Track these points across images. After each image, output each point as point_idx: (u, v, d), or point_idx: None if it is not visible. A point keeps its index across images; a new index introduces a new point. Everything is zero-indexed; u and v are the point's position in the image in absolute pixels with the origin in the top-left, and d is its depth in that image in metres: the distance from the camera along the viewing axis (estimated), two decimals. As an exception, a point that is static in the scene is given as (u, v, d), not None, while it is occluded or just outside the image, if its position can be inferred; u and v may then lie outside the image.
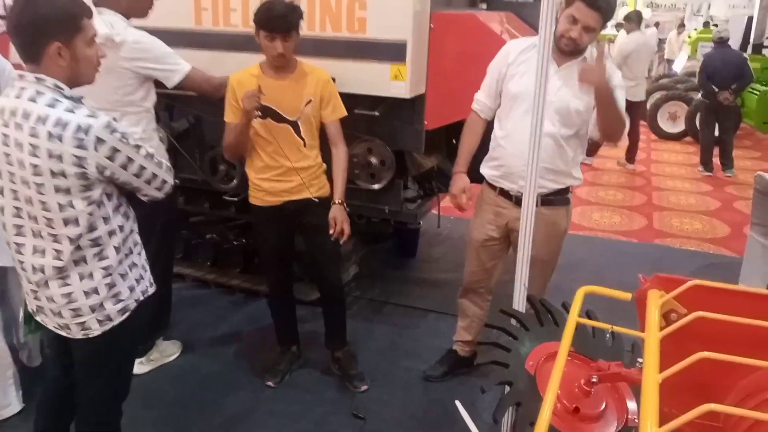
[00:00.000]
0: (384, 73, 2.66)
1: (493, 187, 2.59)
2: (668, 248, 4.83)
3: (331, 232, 2.55)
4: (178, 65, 2.58)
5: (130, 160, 1.70)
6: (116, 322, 1.81)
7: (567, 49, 2.32)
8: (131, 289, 1.84)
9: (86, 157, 1.61)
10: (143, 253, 1.93)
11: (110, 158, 1.65)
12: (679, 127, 8.78)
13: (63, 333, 1.82)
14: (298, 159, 2.54)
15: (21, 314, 2.73)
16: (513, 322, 1.70)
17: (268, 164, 2.56)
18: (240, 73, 2.54)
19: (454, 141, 3.29)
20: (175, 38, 2.79)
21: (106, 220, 1.74)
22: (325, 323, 2.94)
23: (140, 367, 2.89)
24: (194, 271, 3.84)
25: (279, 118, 2.49)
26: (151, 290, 1.94)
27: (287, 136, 2.51)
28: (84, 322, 1.78)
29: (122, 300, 1.81)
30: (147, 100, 2.61)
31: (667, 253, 4.70)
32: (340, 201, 2.58)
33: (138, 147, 1.73)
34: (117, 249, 1.78)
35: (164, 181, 1.84)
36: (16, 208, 1.71)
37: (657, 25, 16.60)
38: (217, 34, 2.94)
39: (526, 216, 1.94)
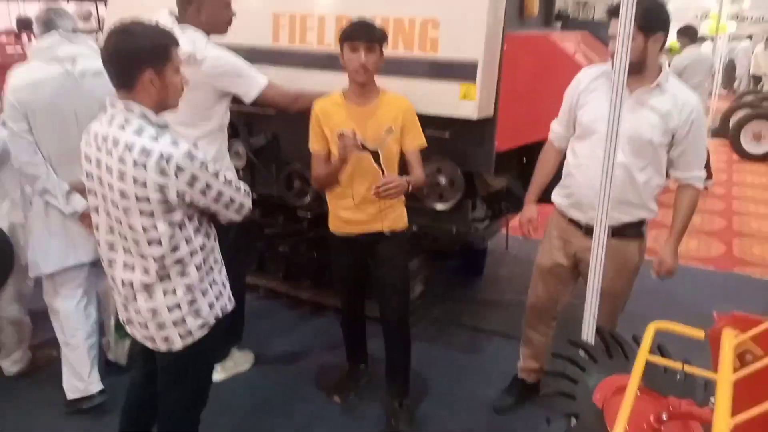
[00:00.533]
0: (453, 93, 2.66)
1: (563, 214, 2.57)
2: (748, 278, 4.61)
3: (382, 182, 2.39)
4: (256, 80, 2.67)
5: (208, 186, 1.80)
6: (197, 337, 1.92)
7: (638, 69, 2.24)
8: (211, 306, 1.95)
9: (167, 184, 1.72)
10: (223, 270, 2.03)
11: (190, 185, 1.76)
12: (764, 147, 8.37)
13: (149, 344, 1.95)
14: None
15: (112, 321, 2.93)
16: (581, 353, 1.69)
17: (345, 192, 2.55)
18: (323, 100, 2.55)
19: (524, 160, 3.29)
20: (252, 55, 2.92)
21: (188, 240, 1.85)
22: (386, 362, 2.82)
23: (215, 375, 3.02)
24: (267, 282, 3.98)
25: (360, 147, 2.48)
26: (230, 306, 2.04)
27: (366, 164, 2.49)
28: (167, 336, 1.90)
29: (202, 316, 1.92)
30: (223, 118, 2.73)
31: (746, 284, 4.49)
32: (408, 180, 2.45)
33: (216, 174, 1.83)
34: (198, 267, 1.89)
35: (242, 205, 1.95)
36: (110, 226, 1.85)
37: (750, 37, 15.83)
38: (293, 52, 3.04)
39: (596, 248, 1.92)
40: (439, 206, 3.04)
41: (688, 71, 6.53)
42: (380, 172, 2.49)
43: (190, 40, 2.51)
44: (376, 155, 2.49)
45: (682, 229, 2.49)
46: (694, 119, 2.27)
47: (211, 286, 1.95)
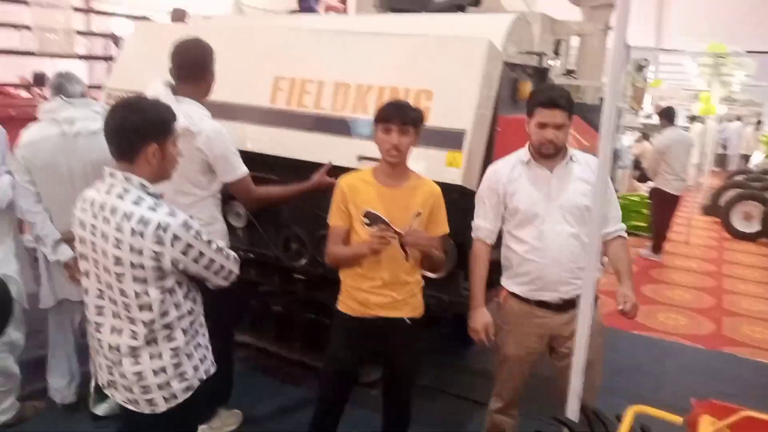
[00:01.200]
0: (440, 159, 2.71)
1: (527, 301, 2.57)
2: (736, 358, 4.64)
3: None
4: (238, 166, 2.75)
5: (201, 254, 1.90)
6: (180, 400, 1.96)
7: (551, 153, 2.46)
8: (195, 369, 2.00)
9: (163, 252, 1.81)
10: (206, 334, 2.10)
11: (184, 253, 1.85)
12: (754, 227, 8.52)
13: (131, 407, 1.98)
14: (398, 274, 2.47)
15: (92, 385, 2.97)
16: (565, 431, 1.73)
17: (366, 274, 2.46)
18: (351, 176, 2.52)
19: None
20: (249, 113, 3.06)
21: (177, 306, 1.92)
22: None
23: (202, 434, 3.01)
24: (258, 341, 3.99)
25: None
26: (212, 369, 2.09)
27: (392, 248, 2.41)
28: (152, 399, 1.94)
29: (187, 379, 1.97)
30: (214, 183, 2.79)
31: (734, 364, 4.52)
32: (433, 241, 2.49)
33: (209, 242, 1.93)
34: (185, 331, 1.96)
35: (230, 272, 2.04)
36: (99, 290, 1.91)
37: (739, 119, 16.32)
38: (290, 113, 3.14)
39: (583, 322, 1.98)
40: (432, 275, 3.10)
41: (671, 151, 6.77)
42: (404, 257, 2.46)
43: (185, 114, 2.58)
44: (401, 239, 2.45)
45: (630, 272, 2.59)
46: (606, 178, 2.40)
47: (195, 349, 2.01)
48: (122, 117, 1.85)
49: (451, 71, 2.76)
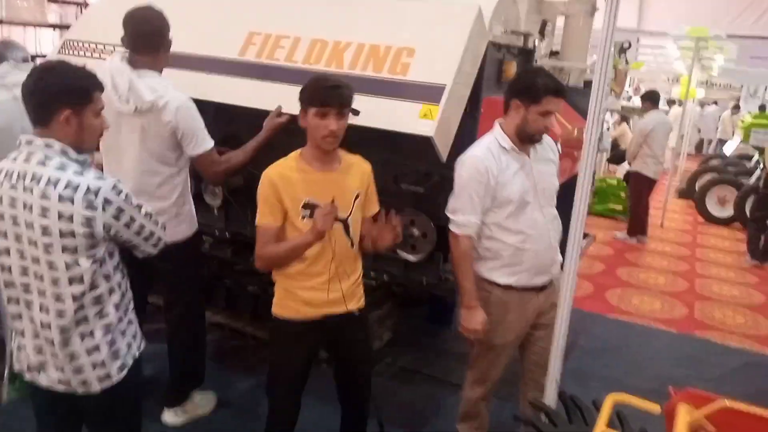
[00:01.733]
0: (413, 111, 2.54)
1: (513, 288, 2.52)
2: (708, 342, 4.71)
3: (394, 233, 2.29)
4: (206, 137, 2.68)
5: (132, 219, 1.85)
6: (115, 380, 1.90)
7: (540, 140, 2.46)
8: (129, 346, 1.95)
9: (95, 217, 1.74)
10: (133, 309, 2.02)
11: (116, 218, 1.79)
12: (728, 211, 8.64)
13: (62, 388, 1.88)
14: (346, 263, 2.30)
15: (6, 374, 2.79)
16: (542, 416, 1.72)
17: (309, 271, 2.24)
18: (276, 166, 2.25)
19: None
20: (220, 65, 2.99)
21: (107, 277, 1.85)
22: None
23: (174, 418, 2.97)
24: (233, 322, 3.95)
25: None
26: (143, 346, 2.04)
27: (336, 237, 2.23)
28: (85, 380, 1.87)
29: (119, 357, 1.91)
30: (181, 159, 2.73)
31: (706, 348, 4.59)
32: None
33: (140, 206, 1.88)
34: (117, 306, 1.89)
35: (160, 239, 2.00)
36: (23, 267, 1.79)
37: (716, 103, 16.50)
38: (260, 65, 3.00)
39: (563, 307, 1.97)
40: (411, 257, 3.08)
41: (653, 134, 6.82)
42: (349, 244, 2.31)
43: (149, 87, 2.51)
44: (346, 225, 2.28)
45: None
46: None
47: (128, 325, 1.95)
48: (38, 78, 1.76)
49: (436, 33, 2.67)
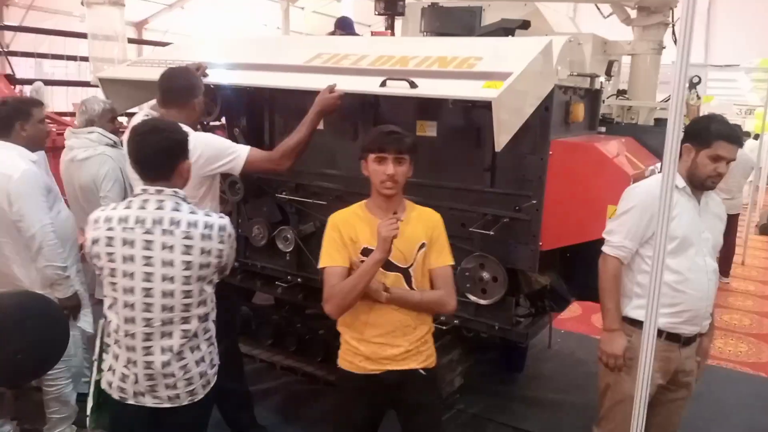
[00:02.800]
0: (477, 85, 2.49)
1: (658, 333, 2.32)
2: (802, 387, 4.40)
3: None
4: (237, 152, 2.71)
5: (232, 249, 2.17)
6: (212, 384, 2.19)
7: (713, 186, 2.43)
8: (218, 354, 2.25)
9: (224, 249, 2.09)
10: None
11: (232, 247, 2.14)
12: (817, 248, 8.14)
13: (167, 405, 2.09)
14: (408, 317, 2.21)
15: (90, 404, 2.95)
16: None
17: (371, 321, 2.19)
18: (343, 212, 2.29)
19: (568, 257, 3.30)
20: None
21: (211, 299, 2.15)
22: None
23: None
24: (305, 365, 4.00)
25: (389, 266, 2.18)
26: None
27: (397, 286, 2.20)
28: (193, 389, 2.11)
29: (215, 365, 2.21)
30: (211, 193, 2.83)
31: (800, 393, 4.28)
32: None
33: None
34: (214, 322, 2.19)
35: (232, 267, 2.28)
36: (146, 304, 2.03)
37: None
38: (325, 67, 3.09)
39: (644, 356, 1.91)
40: (482, 301, 3.06)
41: (731, 170, 6.53)
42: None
43: None
44: (407, 275, 2.23)
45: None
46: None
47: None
48: (158, 140, 2.06)
49: (506, 48, 2.76)
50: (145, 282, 2.01)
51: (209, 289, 2.10)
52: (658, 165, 2.64)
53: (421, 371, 2.25)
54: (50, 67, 8.18)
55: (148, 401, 2.09)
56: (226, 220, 2.11)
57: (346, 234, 2.21)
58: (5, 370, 2.10)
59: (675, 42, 3.21)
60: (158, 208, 2.02)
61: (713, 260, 2.44)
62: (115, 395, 2.11)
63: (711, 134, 2.34)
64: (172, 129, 2.11)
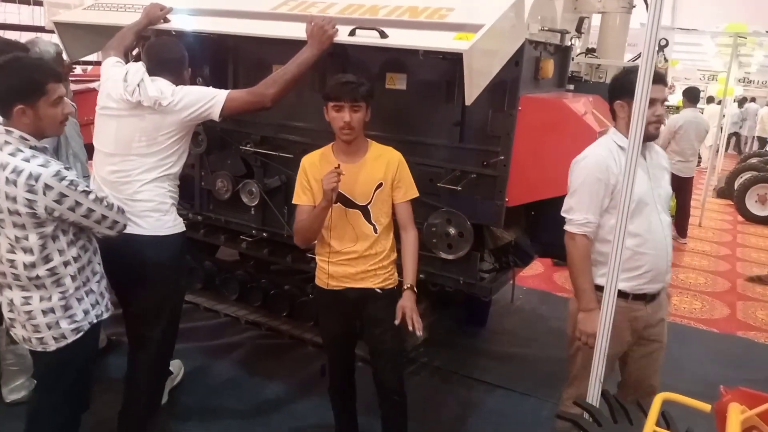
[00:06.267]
0: (448, 36, 2.48)
1: (624, 295, 2.37)
2: (751, 343, 4.60)
3: (396, 322, 2.40)
4: (215, 96, 2.59)
5: (77, 203, 2.05)
6: (69, 340, 2.16)
7: (657, 133, 2.43)
8: (86, 312, 2.19)
9: (36, 200, 1.97)
10: (103, 281, 2.30)
11: (57, 202, 2.00)
12: (769, 211, 8.43)
13: (27, 346, 2.18)
14: (366, 246, 2.46)
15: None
16: (586, 415, 1.70)
17: (336, 249, 2.48)
18: (312, 154, 2.53)
19: (532, 213, 3.34)
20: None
21: (60, 251, 2.09)
22: (383, 428, 2.68)
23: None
24: (269, 320, 4.00)
25: (349, 204, 2.44)
26: (106, 315, 2.29)
27: (357, 222, 2.45)
28: (42, 337, 2.14)
29: (77, 321, 2.17)
30: (175, 166, 2.66)
31: (750, 348, 4.48)
32: (409, 286, 2.46)
33: (87, 192, 2.08)
34: (73, 277, 2.14)
35: (115, 222, 2.22)
36: None
37: (753, 100, 16.09)
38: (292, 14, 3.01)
39: (606, 309, 1.95)
40: (448, 256, 3.08)
41: (680, 132, 6.66)
42: (371, 228, 2.46)
43: (157, 89, 2.52)
44: (366, 212, 2.45)
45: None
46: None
47: (87, 294, 2.20)
48: None
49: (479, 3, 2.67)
50: None
51: (33, 240, 2.01)
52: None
53: (378, 290, 2.51)
54: (1, 12, 7.77)
55: (18, 334, 2.20)
56: (44, 170, 1.96)
57: (312, 175, 2.46)
58: None
59: (645, 2, 3.23)
60: None
61: (667, 215, 2.45)
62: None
63: (634, 82, 2.29)
64: (15, 69, 2.00)
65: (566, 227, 2.43)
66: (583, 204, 2.38)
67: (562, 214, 2.45)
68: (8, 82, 2.00)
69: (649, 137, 2.37)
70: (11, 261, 2.05)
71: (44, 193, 1.96)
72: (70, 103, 2.10)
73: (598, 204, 2.36)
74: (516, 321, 4.48)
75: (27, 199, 1.96)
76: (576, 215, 2.39)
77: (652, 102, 2.28)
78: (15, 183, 1.95)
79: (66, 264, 2.11)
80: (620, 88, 2.40)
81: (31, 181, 1.95)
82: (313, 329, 3.85)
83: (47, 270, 2.07)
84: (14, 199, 1.96)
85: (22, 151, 2.00)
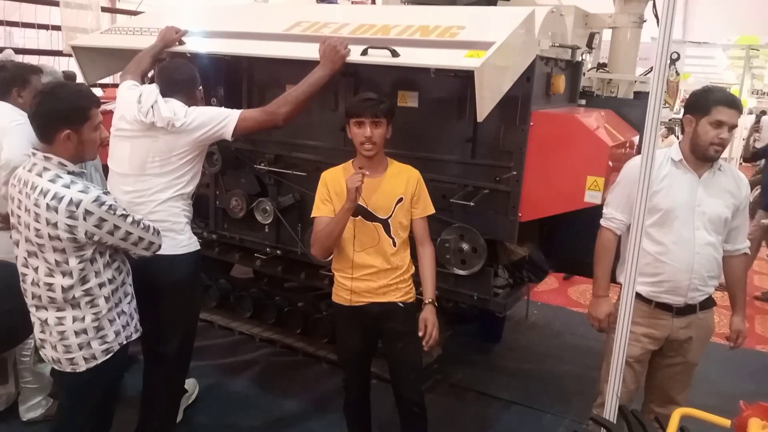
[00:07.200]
0: (459, 54, 2.49)
1: (647, 301, 2.51)
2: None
3: (420, 334, 2.44)
4: (228, 116, 2.62)
5: (116, 227, 2.08)
6: (100, 360, 2.17)
7: (717, 156, 2.42)
8: (117, 334, 2.21)
9: (77, 225, 2.00)
10: (133, 302, 2.33)
11: (97, 226, 2.03)
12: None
13: (56, 367, 2.18)
14: (386, 260, 2.51)
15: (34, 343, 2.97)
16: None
17: (356, 263, 2.51)
18: (333, 169, 2.58)
19: (546, 227, 3.34)
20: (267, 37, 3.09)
21: (97, 273, 2.12)
22: None
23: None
24: (284, 338, 4.00)
25: (370, 217, 2.49)
26: (135, 335, 2.32)
27: (378, 236, 2.50)
28: (73, 358, 2.14)
29: (107, 342, 2.18)
30: (189, 186, 2.69)
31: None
32: (430, 300, 2.51)
33: (125, 216, 2.11)
34: (107, 299, 2.17)
35: (151, 243, 2.25)
36: (25, 258, 2.11)
37: (765, 112, 15.97)
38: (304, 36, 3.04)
39: (622, 321, 1.94)
40: (461, 272, 3.08)
41: None
42: (391, 243, 2.50)
43: (170, 110, 2.55)
44: (386, 225, 2.51)
45: (745, 299, 2.67)
46: (747, 195, 2.49)
47: (118, 316, 2.22)
48: (38, 104, 2.05)
49: (488, 17, 2.77)
50: (21, 236, 2.10)
51: (74, 263, 2.04)
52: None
53: (400, 304, 2.54)
54: (20, 37, 7.94)
55: (47, 355, 2.21)
56: (85, 196, 1.99)
57: (332, 189, 2.51)
58: None
59: (656, 16, 3.24)
60: (38, 174, 2.04)
61: (709, 233, 2.43)
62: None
63: (709, 101, 2.36)
64: (61, 95, 2.05)
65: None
66: (615, 201, 2.55)
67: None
68: (56, 108, 2.04)
69: (707, 158, 2.42)
70: (49, 285, 2.07)
71: (84, 219, 1.99)
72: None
73: (628, 205, 2.43)
74: (531, 336, 4.45)
75: (68, 224, 1.98)
76: (607, 209, 2.58)
77: (720, 124, 2.35)
78: (56, 210, 1.97)
79: (101, 285, 2.14)
80: (692, 104, 2.45)
81: (71, 207, 1.98)
82: (327, 346, 3.85)
83: (83, 291, 2.10)
84: (55, 225, 1.98)
85: (61, 177, 2.03)
